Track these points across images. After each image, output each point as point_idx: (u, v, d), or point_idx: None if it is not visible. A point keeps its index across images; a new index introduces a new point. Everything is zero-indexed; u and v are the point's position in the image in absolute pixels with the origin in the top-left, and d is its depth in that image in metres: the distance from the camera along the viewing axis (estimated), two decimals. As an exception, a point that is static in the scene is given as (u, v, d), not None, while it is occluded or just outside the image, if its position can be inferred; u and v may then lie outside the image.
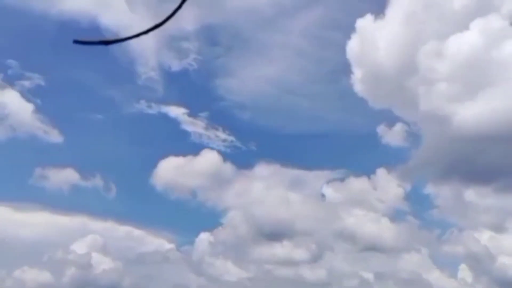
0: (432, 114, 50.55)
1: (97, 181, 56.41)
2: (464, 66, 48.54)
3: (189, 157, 57.19)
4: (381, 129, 57.02)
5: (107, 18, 56.40)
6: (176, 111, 58.60)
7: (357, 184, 56.54)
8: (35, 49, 62.47)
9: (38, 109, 56.33)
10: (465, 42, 48.42)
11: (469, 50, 48.28)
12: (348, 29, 54.15)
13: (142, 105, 58.95)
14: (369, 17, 53.07)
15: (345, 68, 55.57)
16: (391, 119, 56.16)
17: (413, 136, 56.15)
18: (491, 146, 49.61)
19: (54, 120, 57.04)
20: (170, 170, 56.97)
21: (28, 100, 55.87)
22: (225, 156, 57.17)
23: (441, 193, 54.94)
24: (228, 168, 57.51)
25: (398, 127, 55.77)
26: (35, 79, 56.24)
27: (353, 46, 53.44)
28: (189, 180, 57.58)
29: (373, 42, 53.00)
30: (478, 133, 47.82)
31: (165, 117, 59.58)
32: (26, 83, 55.97)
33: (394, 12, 52.53)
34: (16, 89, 55.76)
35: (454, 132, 48.82)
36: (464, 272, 49.63)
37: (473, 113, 47.59)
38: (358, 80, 53.80)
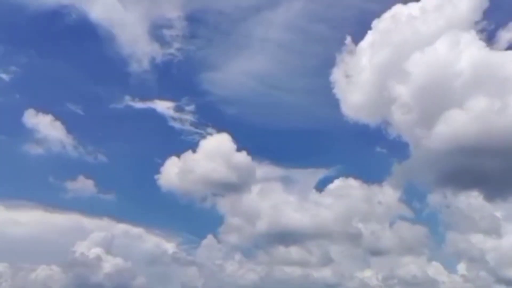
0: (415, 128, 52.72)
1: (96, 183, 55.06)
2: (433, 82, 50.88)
3: (186, 155, 56.37)
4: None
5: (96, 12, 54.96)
6: (163, 105, 58.28)
7: (353, 183, 56.80)
8: (15, 42, 60.38)
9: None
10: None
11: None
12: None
13: (127, 100, 58.02)
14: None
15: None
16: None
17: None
18: (483, 158, 52.64)
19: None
20: (171, 171, 56.03)
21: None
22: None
23: (437, 198, 56.98)
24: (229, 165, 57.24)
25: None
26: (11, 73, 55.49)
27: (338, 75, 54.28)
28: (192, 182, 56.85)
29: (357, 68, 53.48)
30: (464, 145, 50.69)
31: (153, 112, 59.33)
32: (5, 77, 55.04)
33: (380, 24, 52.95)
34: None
35: (439, 144, 51.35)
36: (463, 271, 52.35)
37: (454, 127, 50.41)
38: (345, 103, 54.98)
